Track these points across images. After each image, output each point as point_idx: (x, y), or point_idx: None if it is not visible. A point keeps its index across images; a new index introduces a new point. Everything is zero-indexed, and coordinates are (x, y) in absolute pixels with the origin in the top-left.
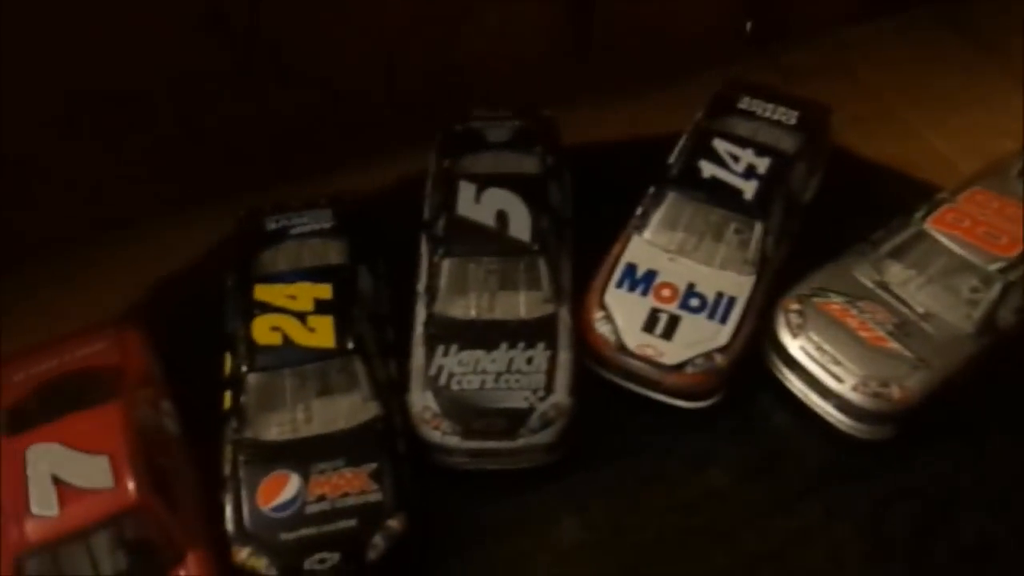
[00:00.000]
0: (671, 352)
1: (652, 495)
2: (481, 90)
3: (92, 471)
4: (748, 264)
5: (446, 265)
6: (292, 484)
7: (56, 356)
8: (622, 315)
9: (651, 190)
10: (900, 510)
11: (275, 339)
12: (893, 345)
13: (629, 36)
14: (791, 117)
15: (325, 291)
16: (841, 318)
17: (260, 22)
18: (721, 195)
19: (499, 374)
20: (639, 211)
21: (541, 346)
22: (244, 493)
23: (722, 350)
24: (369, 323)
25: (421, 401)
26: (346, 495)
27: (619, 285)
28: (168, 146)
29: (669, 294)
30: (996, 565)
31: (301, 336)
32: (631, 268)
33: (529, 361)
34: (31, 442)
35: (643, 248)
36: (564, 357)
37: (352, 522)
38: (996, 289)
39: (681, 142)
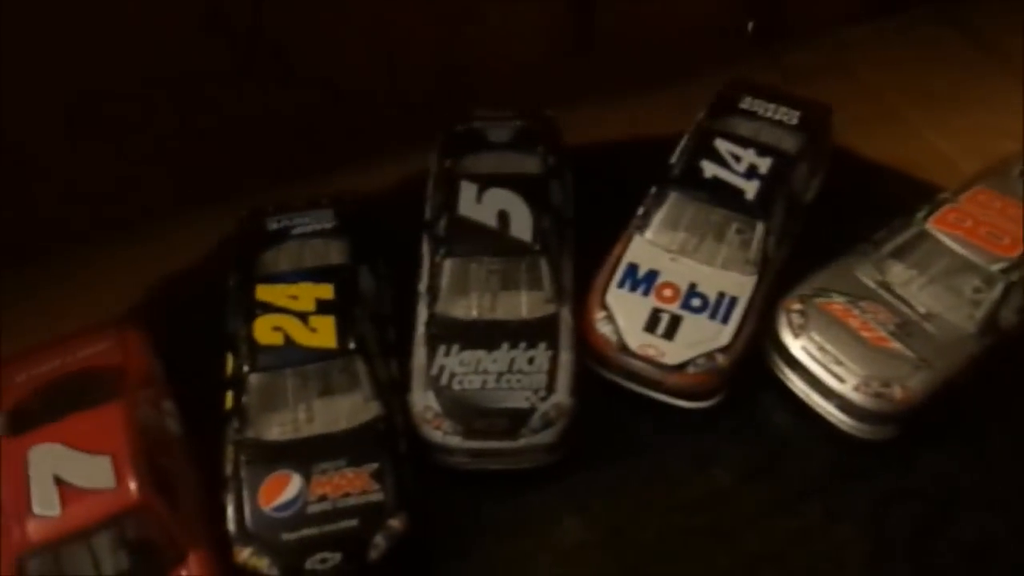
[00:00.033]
0: (673, 352)
1: (653, 495)
2: (483, 90)
3: (94, 471)
4: (750, 264)
5: (448, 265)
6: (294, 484)
7: (58, 356)
8: (624, 315)
9: (653, 190)
10: (902, 510)
11: (277, 339)
12: (895, 345)
13: (631, 36)
14: (793, 117)
15: (327, 291)
16: (843, 318)
17: (262, 22)
18: (723, 195)
19: (500, 374)
20: (641, 211)
21: (542, 346)
22: (246, 493)
23: (724, 350)
24: (371, 323)
25: (423, 401)
26: (347, 495)
27: (621, 285)
28: (170, 146)
29: (671, 294)
30: (998, 565)
31: (303, 336)
32: (633, 268)
33: (530, 361)
34: (33, 442)
35: (645, 248)
36: (565, 357)
37: (353, 522)
38: (998, 289)
39: (683, 142)
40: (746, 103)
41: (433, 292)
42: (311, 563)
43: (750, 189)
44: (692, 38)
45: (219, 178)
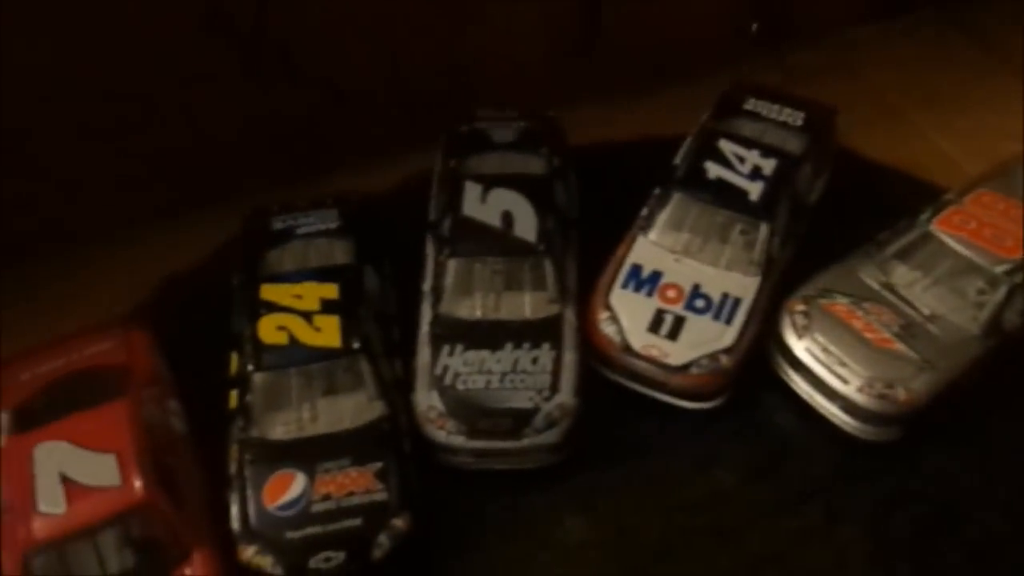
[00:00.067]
0: (676, 353)
1: (657, 495)
2: (487, 90)
3: (99, 469)
4: (753, 265)
5: (452, 265)
6: (298, 483)
7: (63, 355)
8: (627, 316)
9: (657, 191)
10: (905, 511)
11: (281, 338)
12: (899, 347)
13: (635, 37)
14: (797, 118)
15: (331, 291)
16: (847, 319)
17: (266, 23)
18: (727, 196)
19: (504, 374)
20: (644, 212)
21: (546, 346)
22: (250, 492)
23: (727, 351)
24: (375, 323)
25: (426, 401)
26: (351, 494)
27: (624, 286)
28: (173, 146)
29: (674, 295)
30: (1001, 566)
31: (307, 336)
32: (636, 269)
33: (534, 361)
34: (39, 440)
35: (648, 249)
36: (569, 357)
37: (357, 521)
38: (1002, 291)
39: (687, 143)
40: (750, 104)
41: (437, 292)
42: (315, 562)
43: (754, 190)
44: (696, 39)
45: (223, 178)
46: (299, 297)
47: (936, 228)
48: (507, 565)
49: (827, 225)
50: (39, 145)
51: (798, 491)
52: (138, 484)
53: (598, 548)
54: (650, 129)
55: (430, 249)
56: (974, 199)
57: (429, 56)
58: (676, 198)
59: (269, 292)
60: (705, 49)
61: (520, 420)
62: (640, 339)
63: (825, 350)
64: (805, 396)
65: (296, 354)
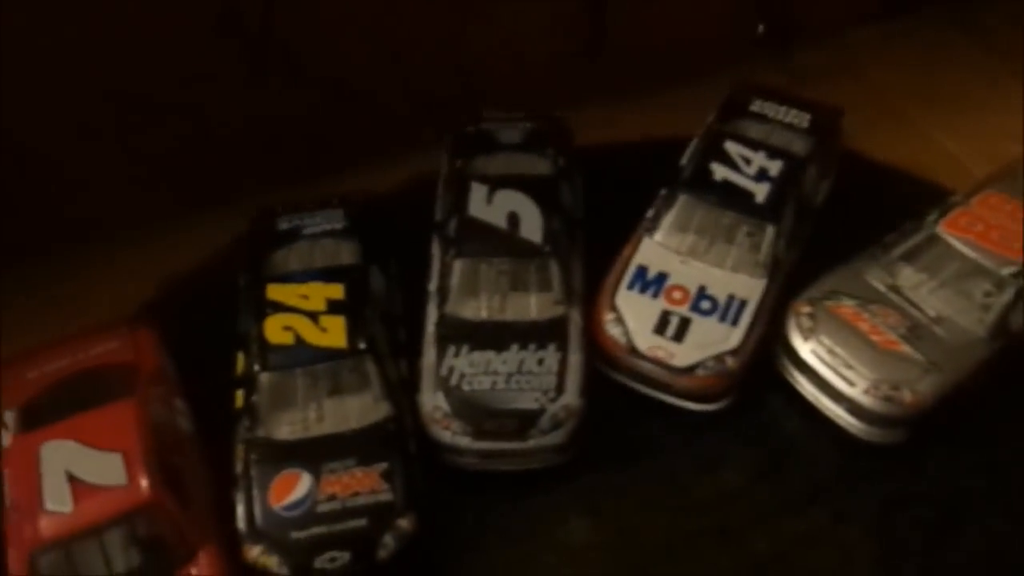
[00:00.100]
0: (682, 354)
1: (661, 496)
2: (493, 91)
3: (106, 468)
4: (760, 267)
5: (458, 266)
6: (303, 483)
7: (70, 354)
8: (633, 317)
9: (662, 192)
10: (910, 514)
11: (287, 339)
12: (905, 349)
13: (641, 37)
14: (803, 120)
15: (337, 291)
16: (853, 321)
17: (273, 23)
18: (733, 198)
19: (510, 375)
20: (650, 213)
21: (552, 347)
22: (256, 491)
23: (733, 353)
24: (381, 323)
25: (432, 401)
26: (357, 494)
27: (630, 287)
28: (181, 146)
29: (680, 296)
30: (1007, 569)
31: (313, 336)
32: (642, 270)
33: (540, 362)
34: (45, 439)
35: (654, 250)
36: (575, 358)
37: (363, 521)
38: (1009, 293)
39: (693, 144)
40: (756, 106)
41: (443, 293)
42: (320, 562)
43: (760, 192)
44: (702, 40)
45: (229, 178)
46: (305, 297)
47: (942, 230)
48: (512, 566)
49: (833, 227)
50: (44, 145)
51: (803, 493)
52: (144, 484)
53: (603, 549)
54: (656, 130)
55: (436, 250)
56: (981, 201)
57: (435, 56)
58: (682, 199)
59: (275, 292)
60: (711, 50)
61: (526, 421)
62: (646, 340)
63: (831, 352)
64: (810, 398)
65: (302, 354)
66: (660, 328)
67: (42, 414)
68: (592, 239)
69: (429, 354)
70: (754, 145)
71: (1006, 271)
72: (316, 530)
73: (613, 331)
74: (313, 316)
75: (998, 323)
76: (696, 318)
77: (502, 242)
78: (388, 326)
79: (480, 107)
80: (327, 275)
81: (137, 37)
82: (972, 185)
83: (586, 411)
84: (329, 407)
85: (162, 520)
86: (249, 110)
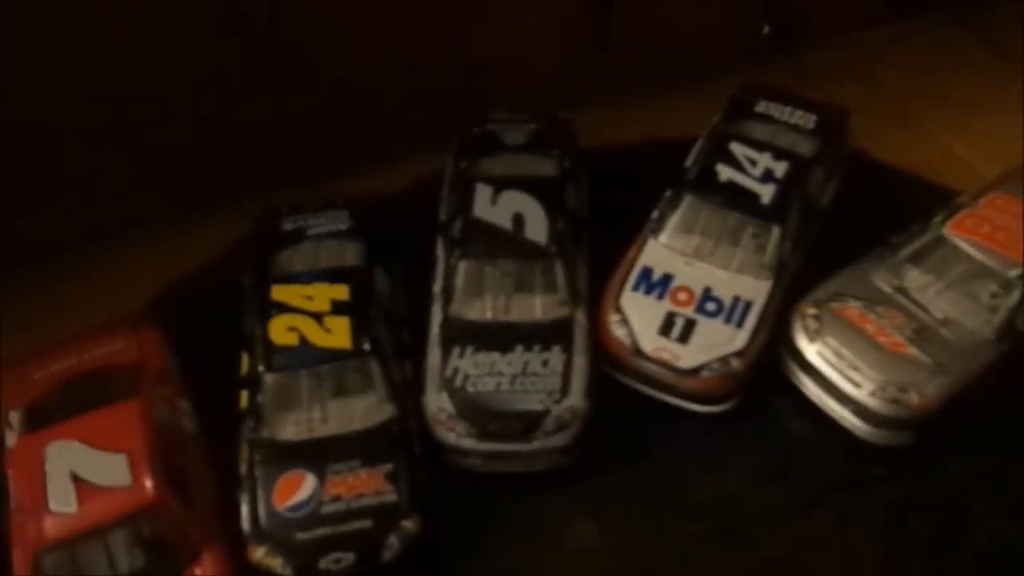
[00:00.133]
0: (687, 356)
1: (666, 499)
2: (498, 92)
3: (110, 469)
4: (765, 268)
5: (462, 267)
6: (308, 484)
7: (75, 354)
8: (638, 318)
9: (668, 193)
10: (917, 517)
11: (292, 339)
12: (912, 351)
13: (646, 38)
14: (809, 121)
15: (342, 292)
16: (859, 323)
17: (278, 24)
18: (738, 199)
19: (515, 376)
20: (655, 214)
21: (557, 349)
22: (260, 492)
23: (738, 354)
24: (385, 324)
25: (436, 403)
26: (361, 496)
27: (635, 288)
28: (185, 146)
29: (685, 298)
30: (1015, 573)
31: (318, 337)
32: (647, 271)
33: (545, 364)
34: (50, 439)
35: (659, 251)
36: (580, 360)
37: (367, 523)
38: (1016, 295)
39: (698, 145)
40: (762, 106)
41: (448, 294)
42: (325, 563)
43: (766, 193)
44: (708, 40)
45: (235, 179)
46: (310, 298)
47: (949, 232)
48: (516, 568)
49: (839, 228)
50: (50, 145)
51: (809, 495)
52: (149, 484)
53: (607, 551)
54: (661, 131)
55: (441, 251)
56: (988, 202)
57: (440, 57)
58: (687, 200)
59: (280, 293)
60: (716, 51)
61: (530, 423)
62: (651, 342)
63: (837, 354)
64: (816, 400)
65: (306, 355)
66: (665, 330)
67: (47, 414)
68: (597, 240)
69: (434, 355)
70: (759, 146)
71: (1013, 273)
72: (320, 531)
73: (618, 332)
74: (318, 317)
75: (1005, 325)
76: (701, 320)
77: (507, 243)
78: (393, 327)
79: (485, 108)
80: (332, 276)
81: (145, 38)
82: (979, 187)
83: (591, 413)
84: (333, 408)
85: (166, 521)
86: (253, 110)
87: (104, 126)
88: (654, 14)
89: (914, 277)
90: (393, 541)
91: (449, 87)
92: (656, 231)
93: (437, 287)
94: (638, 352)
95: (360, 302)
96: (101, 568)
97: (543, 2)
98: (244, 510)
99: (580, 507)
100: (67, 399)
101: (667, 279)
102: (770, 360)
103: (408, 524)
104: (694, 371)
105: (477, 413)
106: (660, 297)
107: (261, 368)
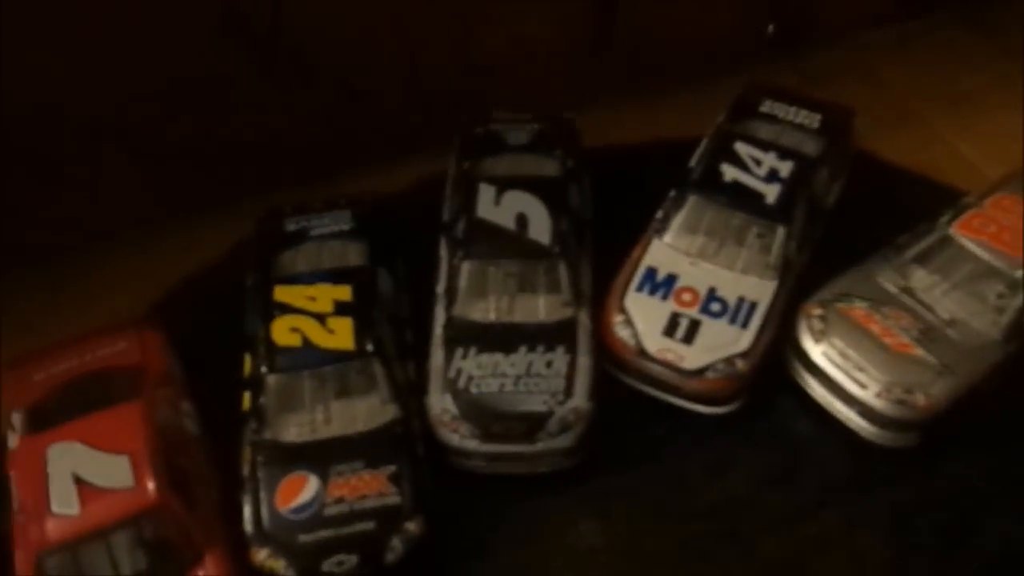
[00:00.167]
0: (692, 357)
1: (670, 500)
2: (501, 92)
3: (112, 470)
4: (770, 269)
5: (465, 267)
6: (311, 486)
7: (77, 356)
8: (642, 319)
9: (672, 193)
10: (923, 518)
11: (294, 340)
12: (918, 351)
13: (650, 38)
14: (814, 121)
15: (345, 293)
16: (865, 324)
17: (281, 24)
18: (743, 199)
19: (518, 377)
20: (660, 214)
21: (560, 350)
22: (263, 494)
23: (743, 355)
24: (388, 325)
25: (440, 404)
26: (364, 497)
27: (639, 289)
28: (188, 148)
29: (690, 298)
30: (1021, 574)
31: (320, 338)
32: (651, 272)
33: (548, 365)
34: (52, 441)
35: (664, 252)
36: (584, 361)
37: (370, 524)
38: (1022, 295)
39: (702, 145)
40: (766, 106)
41: (451, 294)
42: (328, 565)
43: (771, 193)
44: (712, 40)
45: (237, 179)
46: (312, 299)
47: (956, 232)
48: (520, 569)
49: (844, 228)
50: (53, 147)
51: (815, 497)
52: (151, 486)
53: (612, 553)
54: (665, 131)
55: (444, 251)
56: (994, 203)
57: (444, 57)
58: (692, 200)
59: (282, 294)
60: (721, 51)
61: (534, 424)
62: (655, 343)
63: (843, 355)
64: (822, 401)
65: (309, 356)
66: (669, 330)
67: (49, 416)
68: (601, 240)
69: (437, 356)
70: (764, 146)
71: (1019, 273)
72: (323, 533)
73: (622, 333)
74: (320, 318)
75: (1012, 325)
76: (706, 320)
77: (510, 243)
78: (396, 328)
79: (488, 108)
80: (335, 277)
81: (148, 39)
82: (985, 187)
83: (595, 414)
84: (336, 409)
85: (169, 523)
86: (259, 111)
87: (104, 126)
88: (658, 14)
89: (920, 277)
90: (396, 543)
91: (452, 87)
92: (660, 231)
93: (440, 287)
94: (642, 353)
95: (363, 303)
96: (103, 570)
97: (546, 2)
98: (247, 512)
99: (584, 508)
100: (69, 401)
101: (671, 279)
102: (775, 361)
103: (411, 526)
104: (699, 372)
105: (480, 414)
106: (664, 297)
107: (264, 369)
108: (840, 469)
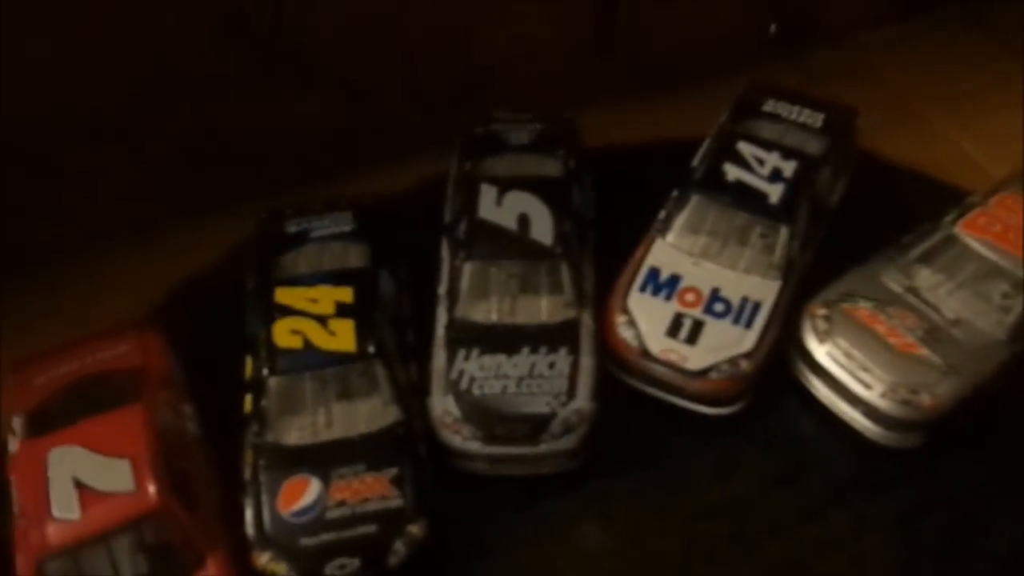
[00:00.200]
0: (695, 357)
1: (675, 502)
2: (503, 92)
3: (113, 474)
4: (774, 269)
5: (467, 268)
6: (312, 489)
7: (78, 358)
8: (645, 319)
9: (674, 193)
10: (929, 520)
11: (296, 342)
12: (923, 351)
13: (652, 38)
14: (817, 120)
15: (346, 294)
16: (869, 324)
17: (281, 24)
18: (746, 199)
19: (521, 379)
20: (662, 214)
21: (563, 351)
22: (264, 497)
23: (747, 356)
24: (390, 327)
25: (442, 405)
26: (367, 500)
27: (642, 289)
28: (189, 149)
29: (693, 299)
30: None
31: (322, 340)
32: (654, 272)
33: (551, 366)
34: (53, 444)
35: (666, 252)
36: (586, 362)
37: (372, 527)
38: None
39: (705, 145)
40: (769, 106)
41: (453, 295)
42: (330, 569)
43: (774, 193)
44: (714, 40)
45: (238, 181)
46: (314, 301)
47: (960, 231)
48: (523, 571)
49: (848, 228)
50: (53, 147)
51: (819, 498)
52: (152, 490)
53: (615, 555)
54: (667, 131)
55: (445, 252)
56: (999, 202)
57: (445, 57)
58: (694, 200)
59: (284, 296)
60: (723, 50)
61: (537, 425)
62: (658, 343)
63: (847, 355)
64: (826, 402)
65: (311, 358)
66: (673, 331)
67: (50, 420)
68: (603, 241)
69: (439, 358)
70: (767, 145)
71: None
72: (325, 536)
73: (625, 334)
74: (322, 320)
75: (1017, 325)
76: (709, 320)
77: (512, 244)
78: (397, 329)
79: (489, 108)
80: (336, 278)
81: (148, 41)
82: (990, 186)
83: (598, 415)
84: (338, 411)
85: (170, 526)
86: (260, 112)
87: (104, 126)
88: (659, 13)
89: (925, 277)
90: (399, 546)
91: (453, 87)
92: (663, 231)
93: (442, 289)
94: (645, 353)
95: (365, 304)
96: (105, 574)
97: (547, 2)
98: (248, 515)
99: (587, 510)
100: (70, 404)
101: (675, 280)
102: (779, 361)
103: (414, 529)
104: (702, 373)
105: (483, 416)
106: (668, 298)
107: (265, 371)
108: (845, 470)
